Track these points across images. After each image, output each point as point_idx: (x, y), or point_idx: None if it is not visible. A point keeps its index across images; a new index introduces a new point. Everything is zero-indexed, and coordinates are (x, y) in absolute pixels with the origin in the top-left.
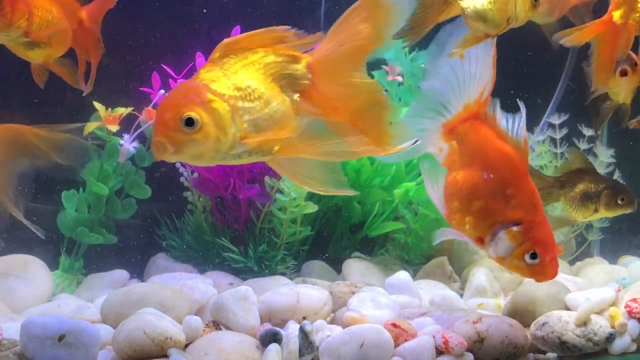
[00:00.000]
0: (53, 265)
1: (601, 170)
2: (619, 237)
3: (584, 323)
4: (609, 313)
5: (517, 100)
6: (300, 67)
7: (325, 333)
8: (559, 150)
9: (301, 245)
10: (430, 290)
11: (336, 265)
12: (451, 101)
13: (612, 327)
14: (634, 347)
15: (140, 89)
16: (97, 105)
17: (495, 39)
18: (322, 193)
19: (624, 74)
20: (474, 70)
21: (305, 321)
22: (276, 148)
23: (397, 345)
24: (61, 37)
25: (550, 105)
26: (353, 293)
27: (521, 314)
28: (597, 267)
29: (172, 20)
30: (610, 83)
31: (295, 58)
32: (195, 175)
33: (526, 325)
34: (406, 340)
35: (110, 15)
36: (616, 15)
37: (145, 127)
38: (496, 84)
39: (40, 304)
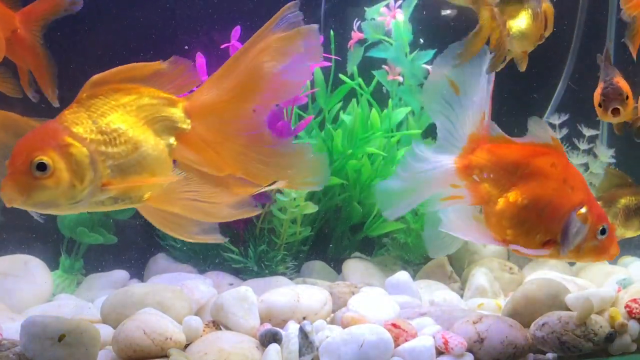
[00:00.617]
0: (53, 265)
1: (600, 170)
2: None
3: (584, 323)
4: (609, 313)
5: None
6: (177, 111)
7: (325, 333)
8: None
9: (301, 246)
10: (430, 290)
11: (336, 265)
12: (454, 137)
13: (612, 327)
14: (634, 347)
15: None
16: None
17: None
18: (187, 240)
19: (615, 113)
20: (469, 101)
21: (305, 321)
22: (146, 196)
23: (397, 345)
24: None
25: (550, 105)
26: (353, 293)
27: (521, 314)
28: (597, 267)
29: (172, 20)
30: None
31: (172, 101)
32: None
33: (526, 325)
34: (406, 340)
35: (110, 15)
36: None
37: None
38: (496, 84)
39: (40, 304)
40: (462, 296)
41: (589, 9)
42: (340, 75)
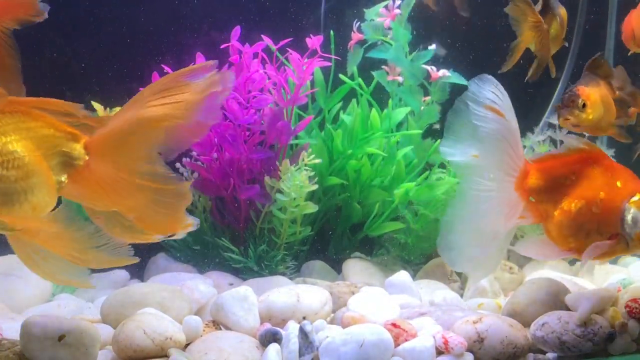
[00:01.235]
0: None
1: None
2: None
3: (583, 323)
4: (609, 313)
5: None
6: (77, 147)
7: (325, 333)
8: None
9: (301, 245)
10: (430, 290)
11: (336, 265)
12: (511, 164)
13: (612, 327)
14: (634, 347)
15: (140, 89)
16: (95, 105)
17: None
18: (56, 283)
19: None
20: (515, 126)
21: (305, 321)
22: (19, 227)
23: (397, 345)
24: None
25: (550, 105)
26: (353, 293)
27: (521, 313)
28: (597, 267)
29: (172, 19)
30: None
31: (75, 137)
32: (196, 175)
33: (526, 325)
34: (406, 340)
35: (109, 16)
36: None
37: None
38: None
39: (40, 304)
40: (462, 296)
41: (589, 9)
42: (340, 76)
